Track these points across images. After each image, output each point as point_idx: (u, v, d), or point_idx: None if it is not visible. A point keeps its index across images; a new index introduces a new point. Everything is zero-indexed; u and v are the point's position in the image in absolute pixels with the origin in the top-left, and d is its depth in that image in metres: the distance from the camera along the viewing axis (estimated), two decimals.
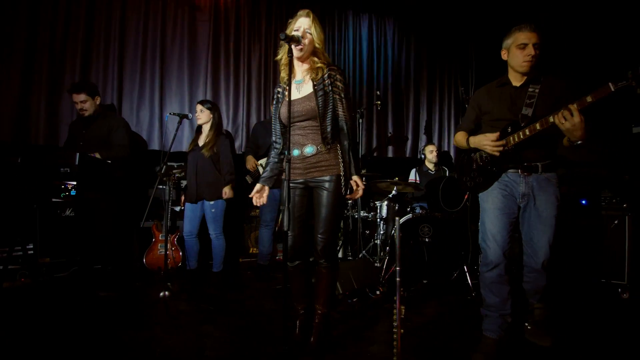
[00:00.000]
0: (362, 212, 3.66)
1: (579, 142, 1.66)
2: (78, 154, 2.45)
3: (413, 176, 4.12)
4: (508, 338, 1.92)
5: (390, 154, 4.39)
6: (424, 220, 3.08)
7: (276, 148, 1.94)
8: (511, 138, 1.85)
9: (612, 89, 1.52)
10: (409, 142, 4.46)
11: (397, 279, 1.34)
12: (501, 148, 1.86)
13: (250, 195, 1.90)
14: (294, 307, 1.92)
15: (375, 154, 4.31)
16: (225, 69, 3.84)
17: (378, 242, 3.44)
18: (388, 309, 2.51)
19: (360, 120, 3.10)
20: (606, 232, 2.88)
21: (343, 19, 4.30)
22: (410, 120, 4.48)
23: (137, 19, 3.56)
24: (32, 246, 3.02)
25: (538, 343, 1.94)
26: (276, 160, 1.94)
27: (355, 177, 1.80)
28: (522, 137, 1.81)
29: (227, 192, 2.96)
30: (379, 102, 3.71)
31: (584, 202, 2.97)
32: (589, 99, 1.58)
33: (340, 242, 3.86)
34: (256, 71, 3.94)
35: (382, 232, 3.48)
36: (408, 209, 3.45)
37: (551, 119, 1.69)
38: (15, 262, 2.93)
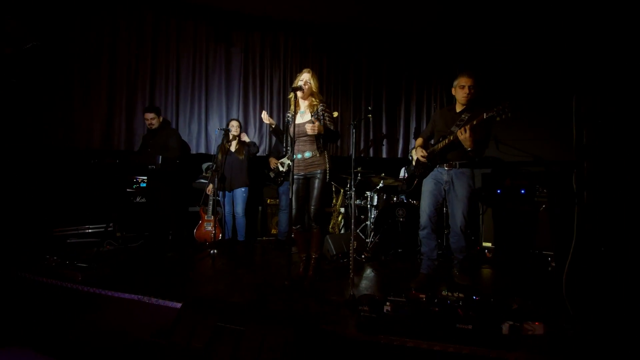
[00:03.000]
0: (357, 200, 4.69)
1: (469, 148, 2.65)
2: (160, 155, 3.62)
3: (402, 173, 5.07)
4: (436, 275, 2.93)
5: (384, 155, 5.37)
6: (400, 205, 4.08)
7: (287, 151, 3.02)
8: (439, 144, 2.87)
9: (485, 117, 2.51)
10: (400, 145, 5.40)
11: (352, 227, 2.39)
12: (423, 159, 2.95)
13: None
14: (299, 257, 3.01)
15: (371, 155, 5.32)
16: (252, 90, 4.95)
17: (368, 223, 4.47)
18: (368, 266, 3.56)
19: (353, 131, 4.10)
20: (538, 214, 3.78)
21: (344, 43, 5.31)
22: (402, 127, 5.43)
23: (187, 56, 4.73)
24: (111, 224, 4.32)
25: (460, 283, 2.92)
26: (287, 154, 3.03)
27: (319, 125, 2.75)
28: (444, 144, 2.83)
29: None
30: (370, 115, 4.78)
31: (523, 191, 3.87)
32: (474, 122, 2.59)
33: (342, 223, 4.92)
34: (276, 92, 5.03)
35: (372, 216, 4.50)
36: (394, 198, 4.44)
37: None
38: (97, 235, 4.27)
